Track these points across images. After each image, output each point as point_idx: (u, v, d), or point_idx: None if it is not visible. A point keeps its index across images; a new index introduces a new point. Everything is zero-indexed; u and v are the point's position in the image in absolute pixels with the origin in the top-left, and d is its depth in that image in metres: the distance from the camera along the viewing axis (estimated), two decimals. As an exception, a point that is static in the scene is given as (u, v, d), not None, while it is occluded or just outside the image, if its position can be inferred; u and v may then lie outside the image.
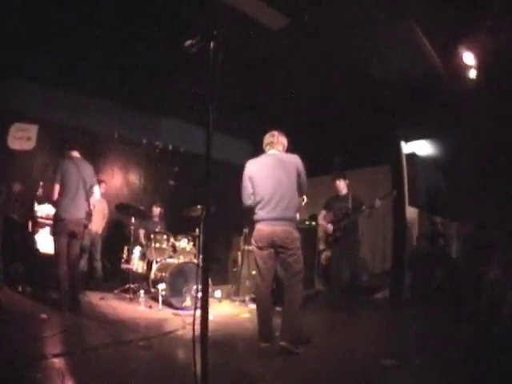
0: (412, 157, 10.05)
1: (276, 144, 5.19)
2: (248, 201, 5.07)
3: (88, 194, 6.48)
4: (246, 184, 5.05)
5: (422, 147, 10.28)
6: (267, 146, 5.24)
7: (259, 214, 4.95)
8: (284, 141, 5.26)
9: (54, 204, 6.33)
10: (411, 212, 9.76)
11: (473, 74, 7.52)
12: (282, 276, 5.37)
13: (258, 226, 4.96)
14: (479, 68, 7.44)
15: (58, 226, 6.24)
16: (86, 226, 6.83)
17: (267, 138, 5.27)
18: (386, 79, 8.53)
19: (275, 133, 5.26)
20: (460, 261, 10.00)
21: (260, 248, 4.93)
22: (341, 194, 7.80)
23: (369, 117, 9.23)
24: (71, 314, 5.87)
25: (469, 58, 7.45)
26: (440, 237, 10.30)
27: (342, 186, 7.79)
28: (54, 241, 6.29)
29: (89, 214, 6.80)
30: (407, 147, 9.95)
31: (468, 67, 7.50)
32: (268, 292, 4.97)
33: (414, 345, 5.10)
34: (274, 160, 5.08)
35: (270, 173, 4.97)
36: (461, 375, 3.88)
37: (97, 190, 6.69)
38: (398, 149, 9.76)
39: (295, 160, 5.06)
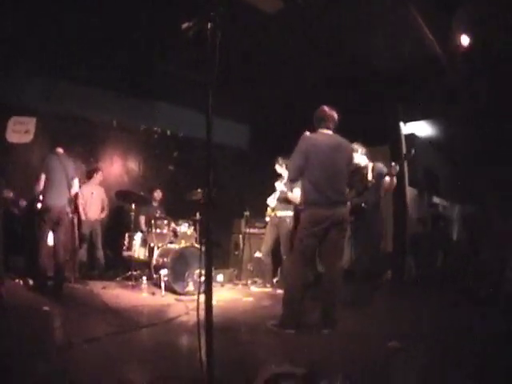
0: (411, 137, 10.02)
1: (331, 122, 5.07)
2: (296, 174, 5.00)
3: (70, 185, 7.16)
4: (300, 158, 4.90)
5: (421, 128, 10.25)
6: (321, 123, 5.08)
7: (315, 196, 4.85)
8: (336, 118, 5.12)
9: (40, 194, 6.96)
10: (411, 193, 9.75)
11: (469, 54, 7.50)
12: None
13: (314, 209, 4.86)
14: (475, 49, 7.42)
15: (44, 214, 6.86)
16: (68, 213, 7.29)
17: (321, 114, 5.09)
18: (384, 61, 8.49)
19: (329, 110, 5.10)
20: (460, 242, 10.03)
21: (311, 232, 4.84)
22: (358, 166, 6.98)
23: (367, 98, 9.20)
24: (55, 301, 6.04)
25: (465, 39, 7.43)
26: (440, 219, 10.32)
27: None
28: (39, 229, 6.96)
29: (70, 201, 7.37)
30: (406, 128, 9.92)
31: (464, 48, 7.48)
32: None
33: (419, 327, 5.10)
34: (334, 142, 5.00)
35: (329, 155, 4.89)
36: (463, 356, 3.88)
37: (76, 183, 7.38)
38: (397, 129, 9.72)
39: (351, 148, 5.16)
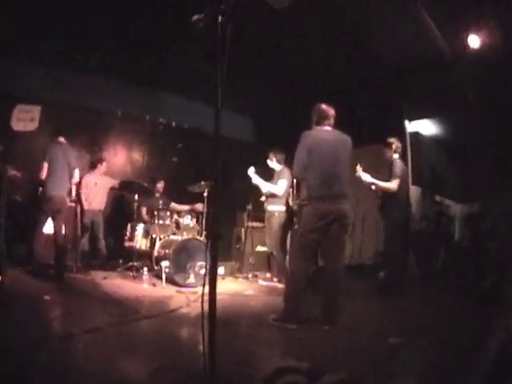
0: (416, 136, 10.00)
1: (331, 119, 5.09)
2: (301, 173, 5.00)
3: (71, 175, 7.24)
4: (303, 156, 4.91)
5: (426, 126, 10.24)
6: (321, 120, 5.09)
7: (320, 190, 4.86)
8: (334, 114, 5.13)
9: (42, 183, 6.99)
10: (414, 191, 9.72)
11: (477, 54, 7.49)
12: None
13: (318, 204, 4.86)
14: (483, 49, 7.40)
15: (45, 204, 6.92)
16: (66, 202, 7.37)
17: (322, 112, 5.11)
18: (390, 58, 8.48)
19: (327, 107, 5.13)
20: (463, 241, 10.01)
21: (314, 226, 4.83)
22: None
23: (373, 95, 9.18)
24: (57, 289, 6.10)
25: (473, 39, 7.43)
26: (443, 217, 10.29)
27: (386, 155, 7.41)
28: (38, 217, 6.99)
29: (70, 191, 7.53)
30: (411, 126, 9.90)
31: (472, 48, 7.47)
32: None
33: (421, 324, 5.08)
34: (335, 138, 5.04)
35: (331, 150, 4.92)
36: (465, 354, 3.87)
37: (77, 173, 7.40)
38: (402, 127, 9.70)
39: (350, 143, 5.10)
